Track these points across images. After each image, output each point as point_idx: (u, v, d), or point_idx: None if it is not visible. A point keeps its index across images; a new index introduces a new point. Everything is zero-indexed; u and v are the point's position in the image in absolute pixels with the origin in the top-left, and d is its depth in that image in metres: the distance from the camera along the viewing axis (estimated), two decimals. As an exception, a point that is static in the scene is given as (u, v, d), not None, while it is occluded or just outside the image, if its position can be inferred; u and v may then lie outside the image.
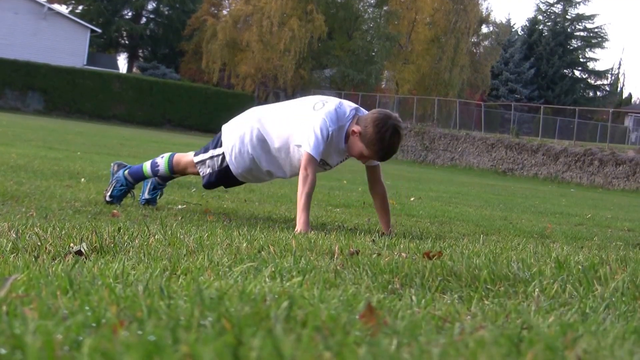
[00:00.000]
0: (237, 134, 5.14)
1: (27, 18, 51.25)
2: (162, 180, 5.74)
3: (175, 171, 5.49)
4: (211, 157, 5.28)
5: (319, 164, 4.94)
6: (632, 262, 3.20)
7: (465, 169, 34.82)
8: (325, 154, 4.87)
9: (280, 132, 4.98)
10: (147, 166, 5.54)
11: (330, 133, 4.77)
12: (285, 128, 4.96)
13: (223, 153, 5.21)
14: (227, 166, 5.21)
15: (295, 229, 4.54)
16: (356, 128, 4.80)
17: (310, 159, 4.72)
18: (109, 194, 5.58)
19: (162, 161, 5.49)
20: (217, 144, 5.28)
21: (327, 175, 12.77)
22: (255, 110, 5.30)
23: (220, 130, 5.38)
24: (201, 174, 5.34)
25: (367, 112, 5.04)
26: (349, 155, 5.04)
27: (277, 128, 5.01)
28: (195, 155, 5.37)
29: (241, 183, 5.52)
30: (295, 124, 4.91)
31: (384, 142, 4.77)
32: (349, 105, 4.97)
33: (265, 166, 5.13)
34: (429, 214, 7.25)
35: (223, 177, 5.29)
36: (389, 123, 4.75)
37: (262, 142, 5.07)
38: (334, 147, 4.90)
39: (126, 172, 5.58)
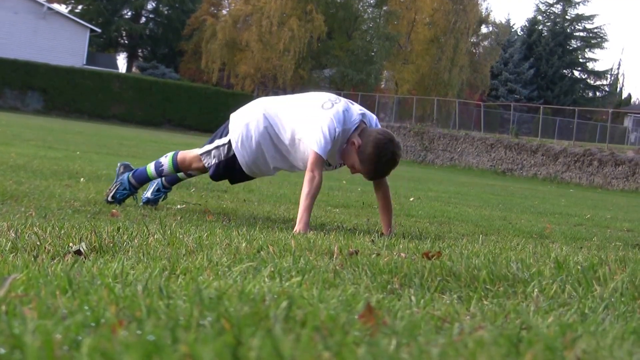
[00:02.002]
0: (244, 122, 5.11)
1: (27, 17, 51.25)
2: (168, 182, 5.73)
3: (180, 168, 5.44)
4: (217, 147, 5.23)
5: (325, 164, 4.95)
6: (631, 263, 3.20)
7: (465, 169, 34.82)
8: (329, 154, 4.86)
9: (287, 123, 4.96)
10: (151, 167, 5.51)
11: (337, 133, 4.75)
12: (292, 120, 4.94)
13: (229, 142, 5.17)
14: (234, 155, 5.17)
15: (295, 229, 4.53)
16: (357, 140, 4.79)
17: (318, 158, 4.71)
18: (111, 194, 5.55)
19: (166, 160, 5.45)
20: (223, 133, 5.25)
21: (326, 175, 12.75)
22: (263, 100, 5.27)
23: (225, 121, 5.36)
24: (206, 164, 5.26)
25: (373, 116, 5.03)
26: (341, 160, 5.03)
27: (284, 119, 4.99)
28: (201, 148, 5.34)
29: (246, 177, 5.44)
30: (303, 118, 4.89)
31: (378, 165, 4.78)
32: (356, 110, 4.95)
33: (270, 155, 5.10)
34: (428, 214, 7.25)
35: (230, 168, 5.22)
36: (389, 149, 4.74)
37: (269, 131, 5.03)
38: (338, 148, 4.89)
39: (130, 175, 5.54)
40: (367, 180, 5.06)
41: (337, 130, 4.75)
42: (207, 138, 5.39)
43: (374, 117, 5.11)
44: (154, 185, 5.74)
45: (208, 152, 5.25)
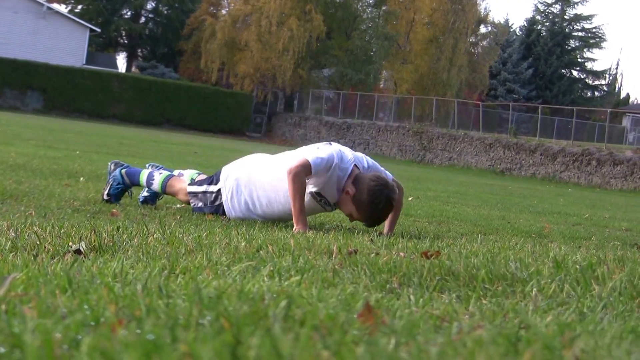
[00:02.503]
0: (233, 178, 5.18)
1: (27, 17, 51.22)
2: (151, 194, 5.77)
3: (166, 192, 5.53)
4: (204, 192, 5.31)
5: (320, 202, 4.96)
6: (629, 262, 3.20)
7: (464, 169, 34.83)
8: (324, 187, 4.86)
9: (277, 175, 4.97)
10: (144, 175, 5.56)
11: (334, 163, 4.77)
12: (282, 170, 4.94)
13: (218, 191, 5.22)
14: (220, 205, 5.22)
15: (294, 229, 4.55)
16: (351, 189, 4.82)
17: (305, 163, 4.71)
18: (106, 192, 5.60)
19: (158, 178, 5.50)
20: (214, 181, 5.30)
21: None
22: (256, 156, 5.32)
23: (217, 171, 5.42)
24: (192, 204, 5.36)
25: (362, 157, 5.05)
26: (338, 208, 5.06)
27: (274, 172, 5.01)
28: (189, 185, 5.38)
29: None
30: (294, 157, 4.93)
31: (375, 212, 4.81)
32: (349, 152, 5.01)
33: (260, 210, 5.12)
34: (427, 214, 7.25)
35: (213, 212, 5.29)
36: (383, 194, 4.77)
37: (258, 189, 5.08)
38: (330, 186, 4.88)
39: (124, 170, 5.59)
40: (367, 227, 5.08)
41: (334, 160, 4.78)
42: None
43: (363, 156, 5.16)
44: None
45: (195, 194, 5.33)
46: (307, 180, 4.77)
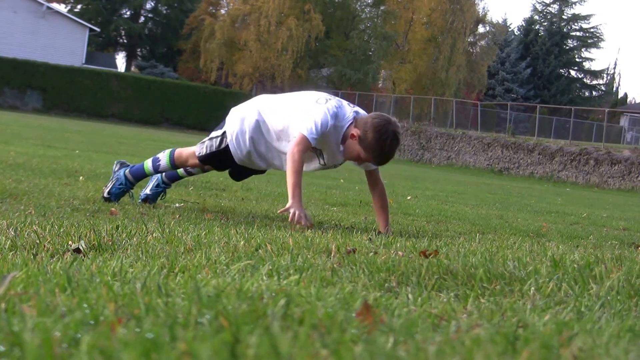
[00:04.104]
0: (240, 117, 5.15)
1: (26, 17, 51.22)
2: (167, 179, 5.74)
3: (176, 164, 5.47)
4: (210, 138, 5.27)
5: (317, 157, 4.98)
6: (627, 261, 3.21)
7: (462, 168, 34.83)
8: (321, 145, 4.88)
9: (280, 120, 4.99)
10: (148, 163, 5.53)
11: (328, 125, 4.77)
12: (285, 117, 4.98)
13: (223, 134, 5.20)
14: (226, 148, 5.19)
15: (288, 203, 4.59)
16: (355, 131, 4.80)
17: (304, 139, 4.74)
18: (107, 190, 5.58)
19: (163, 155, 5.48)
20: (220, 126, 5.29)
21: (324, 174, 12.77)
22: (261, 97, 5.32)
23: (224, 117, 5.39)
24: (198, 154, 5.30)
25: (365, 113, 5.04)
26: (344, 157, 5.03)
27: (277, 116, 5.02)
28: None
29: (243, 172, 5.51)
30: (296, 114, 4.92)
31: (384, 148, 4.77)
32: (349, 108, 4.98)
33: (263, 151, 5.13)
34: (425, 213, 7.26)
35: (219, 158, 5.26)
36: (389, 129, 4.76)
37: (262, 128, 5.07)
38: (331, 144, 4.90)
39: (127, 171, 5.56)
40: (376, 166, 5.07)
41: (329, 123, 4.77)
42: (205, 137, 5.41)
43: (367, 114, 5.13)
44: (154, 181, 5.76)
45: (202, 143, 5.30)
46: None
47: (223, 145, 5.19)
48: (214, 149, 5.23)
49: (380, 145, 4.76)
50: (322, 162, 5.14)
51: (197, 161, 5.33)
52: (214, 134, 5.28)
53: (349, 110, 4.95)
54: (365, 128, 4.78)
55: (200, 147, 5.30)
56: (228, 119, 5.24)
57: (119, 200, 5.61)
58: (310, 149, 4.92)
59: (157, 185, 5.76)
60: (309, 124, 4.78)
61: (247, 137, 5.10)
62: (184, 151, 5.42)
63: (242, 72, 52.23)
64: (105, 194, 5.57)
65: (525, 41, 68.17)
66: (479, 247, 3.78)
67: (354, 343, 1.51)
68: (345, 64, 52.21)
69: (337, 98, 5.07)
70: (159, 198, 5.79)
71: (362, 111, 5.05)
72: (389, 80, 56.84)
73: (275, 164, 5.21)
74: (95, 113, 46.91)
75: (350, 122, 4.87)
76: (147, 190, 5.75)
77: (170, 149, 5.51)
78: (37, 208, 4.68)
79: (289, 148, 4.78)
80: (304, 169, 5.01)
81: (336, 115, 4.84)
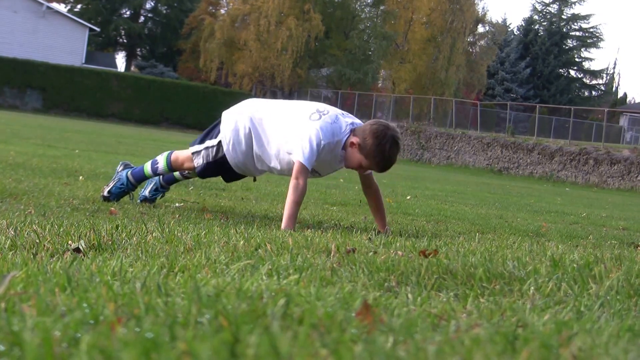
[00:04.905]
0: (234, 126, 5.12)
1: (26, 16, 51.21)
2: (165, 182, 5.76)
3: (173, 167, 5.47)
4: (206, 148, 5.25)
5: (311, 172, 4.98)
6: (626, 261, 3.21)
7: (461, 168, 34.84)
8: (317, 164, 4.87)
9: (274, 134, 4.97)
10: (147, 165, 5.55)
11: (322, 145, 4.76)
12: (278, 132, 4.95)
13: (219, 143, 5.18)
14: (222, 157, 5.19)
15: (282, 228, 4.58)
16: (354, 140, 4.79)
17: (302, 168, 4.72)
18: (108, 189, 5.59)
19: (161, 158, 5.49)
20: (214, 133, 5.26)
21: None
22: (253, 104, 5.25)
23: (218, 119, 5.36)
24: (195, 164, 5.29)
25: (361, 123, 5.04)
26: (346, 166, 5.03)
27: (269, 129, 5.00)
28: (191, 145, 5.36)
29: (236, 175, 5.48)
30: (289, 129, 4.89)
31: (384, 153, 4.77)
32: (345, 120, 4.95)
33: (257, 160, 5.13)
34: (425, 213, 7.26)
35: (218, 168, 5.26)
36: (388, 134, 4.75)
37: (255, 138, 5.06)
38: (327, 159, 4.89)
39: (129, 172, 5.58)
40: (379, 173, 5.06)
41: (322, 142, 4.75)
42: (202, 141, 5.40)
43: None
44: (152, 184, 5.77)
45: (198, 153, 5.28)
46: None
47: (220, 155, 5.19)
48: (210, 159, 5.23)
49: (381, 151, 4.75)
50: (316, 175, 5.13)
51: (192, 164, 5.33)
52: (209, 143, 5.26)
53: (344, 123, 4.92)
54: (364, 135, 4.77)
55: (197, 158, 5.28)
56: (222, 127, 5.20)
57: (118, 200, 5.61)
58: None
59: (156, 190, 5.78)
60: (305, 149, 4.75)
61: (243, 145, 5.11)
62: (180, 154, 5.42)
63: (242, 72, 52.23)
64: (105, 193, 5.58)
65: (524, 41, 68.18)
66: (479, 246, 3.78)
67: (354, 343, 1.51)
68: (344, 64, 52.20)
69: (332, 110, 5.03)
70: (160, 197, 5.82)
71: (357, 121, 5.03)
72: (388, 80, 56.85)
73: (272, 166, 5.17)
74: (95, 113, 46.91)
75: (347, 135, 4.86)
76: (146, 193, 5.77)
77: (168, 152, 5.51)
78: (37, 208, 4.68)
79: (292, 178, 4.73)
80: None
81: (332, 132, 4.81)
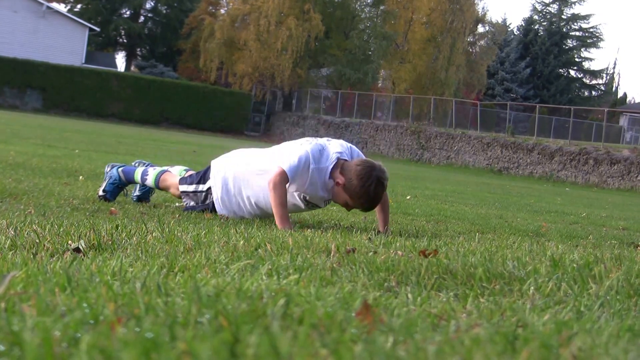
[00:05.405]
0: (223, 181, 5.22)
1: (26, 16, 51.21)
2: (145, 190, 5.83)
3: (160, 187, 5.59)
4: (195, 192, 5.36)
5: (304, 202, 5.00)
6: (626, 261, 3.21)
7: (461, 168, 34.84)
8: (307, 187, 4.88)
9: (264, 174, 5.00)
10: (138, 173, 5.61)
11: (309, 166, 4.79)
12: (266, 164, 5.00)
13: (208, 189, 5.26)
14: (211, 203, 5.26)
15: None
16: (340, 179, 4.84)
17: (282, 174, 4.75)
18: (102, 188, 5.65)
19: (152, 173, 5.57)
20: (204, 178, 5.32)
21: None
22: (242, 153, 5.33)
23: (207, 165, 5.43)
24: (184, 203, 5.43)
25: (357, 152, 5.06)
26: (333, 201, 5.09)
27: (260, 180, 5.03)
28: (181, 182, 5.41)
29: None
30: (278, 156, 4.96)
31: (369, 195, 4.80)
32: (334, 149, 4.98)
33: (252, 203, 5.15)
34: (424, 213, 7.26)
35: (205, 207, 5.33)
36: (372, 176, 4.77)
37: (244, 186, 5.12)
38: (315, 186, 4.90)
39: (120, 169, 5.64)
40: (365, 212, 5.12)
41: (311, 166, 4.79)
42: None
43: (355, 149, 5.14)
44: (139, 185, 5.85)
45: (186, 193, 5.39)
46: (289, 185, 4.81)
47: (208, 201, 5.30)
48: (199, 203, 5.33)
49: (365, 192, 4.79)
50: (305, 202, 5.11)
51: (177, 193, 5.45)
52: (198, 187, 5.33)
53: (333, 151, 4.95)
54: (350, 176, 4.81)
55: (186, 198, 5.40)
56: (212, 175, 5.28)
57: (115, 197, 5.64)
58: (301, 198, 4.94)
59: (144, 185, 5.83)
60: (289, 158, 4.80)
61: (233, 200, 5.21)
62: (168, 179, 5.51)
63: (242, 72, 52.20)
64: (101, 192, 5.63)
65: (524, 41, 68.16)
66: (479, 246, 3.78)
67: (354, 343, 1.51)
68: (344, 64, 52.18)
69: (322, 140, 5.08)
70: (150, 194, 5.88)
71: (346, 149, 5.04)
72: (388, 80, 56.83)
73: (265, 215, 5.20)
74: (95, 113, 46.92)
75: (333, 163, 4.88)
76: (137, 192, 5.84)
77: (159, 170, 5.58)
78: (36, 207, 4.68)
79: (268, 182, 4.78)
80: (294, 209, 5.07)
81: (318, 158, 4.86)
